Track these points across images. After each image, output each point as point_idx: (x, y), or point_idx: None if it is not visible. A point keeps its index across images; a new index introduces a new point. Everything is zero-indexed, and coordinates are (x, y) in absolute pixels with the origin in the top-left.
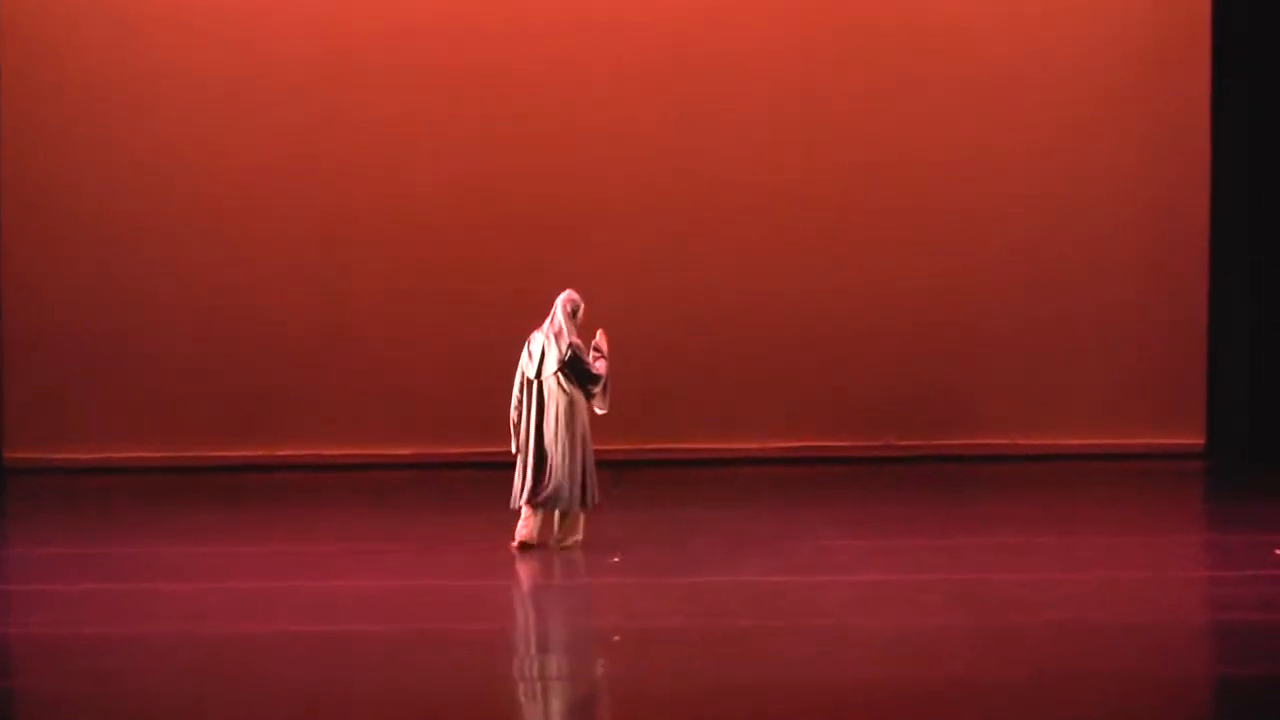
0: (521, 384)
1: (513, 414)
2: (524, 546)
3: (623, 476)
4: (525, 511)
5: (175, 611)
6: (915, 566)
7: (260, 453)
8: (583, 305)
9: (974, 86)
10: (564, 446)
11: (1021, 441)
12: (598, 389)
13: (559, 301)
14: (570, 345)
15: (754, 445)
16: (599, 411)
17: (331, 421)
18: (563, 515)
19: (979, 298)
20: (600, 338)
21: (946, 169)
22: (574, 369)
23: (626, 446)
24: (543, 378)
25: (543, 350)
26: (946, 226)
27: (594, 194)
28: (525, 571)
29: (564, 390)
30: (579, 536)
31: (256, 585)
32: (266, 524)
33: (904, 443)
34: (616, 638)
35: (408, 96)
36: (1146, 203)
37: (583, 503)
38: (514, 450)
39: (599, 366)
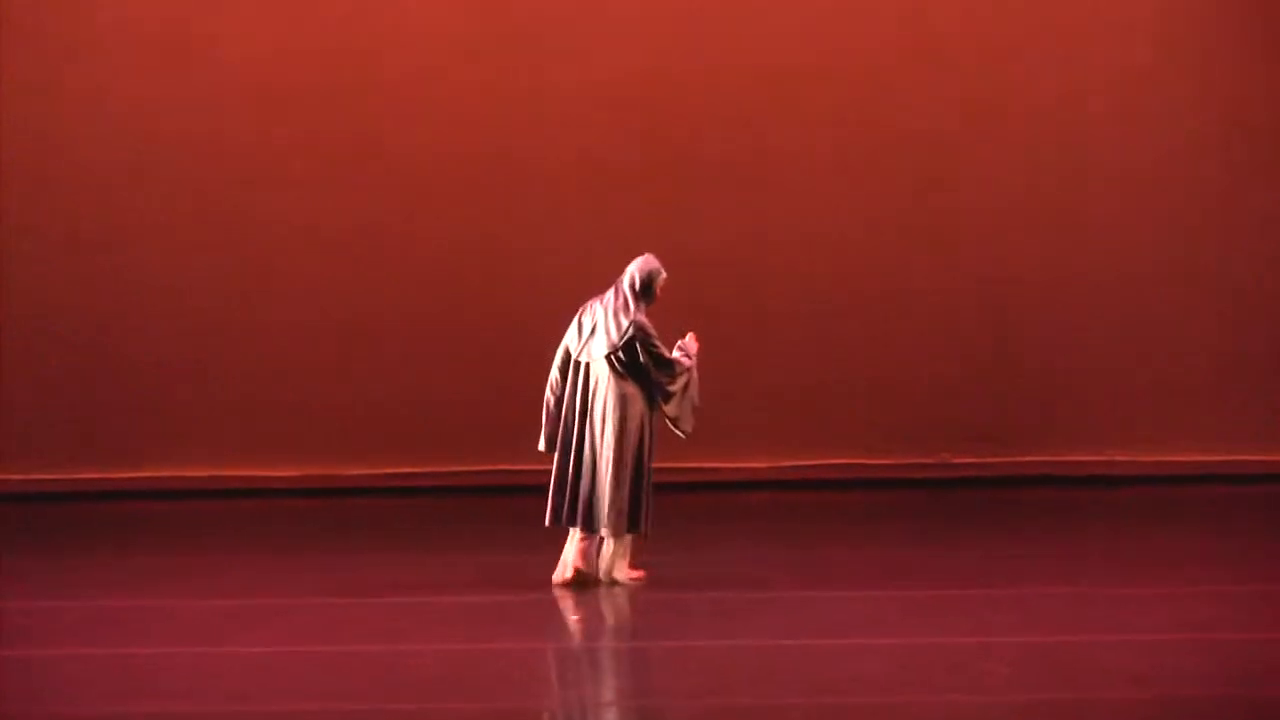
0: (564, 363)
1: (548, 395)
2: (577, 578)
3: None
4: (572, 534)
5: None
6: (975, 626)
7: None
8: (663, 276)
9: (1068, 70)
10: (610, 451)
11: (1119, 459)
12: (674, 385)
13: (632, 268)
14: (634, 325)
15: (762, 464)
16: (675, 427)
17: (196, 440)
18: (605, 541)
19: (1065, 283)
20: (690, 340)
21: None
22: (641, 355)
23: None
24: (591, 360)
25: (594, 327)
26: (1038, 205)
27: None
28: (511, 632)
29: (619, 380)
30: (629, 572)
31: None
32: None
33: (962, 459)
34: None
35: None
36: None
37: (632, 526)
38: (540, 446)
39: (680, 360)
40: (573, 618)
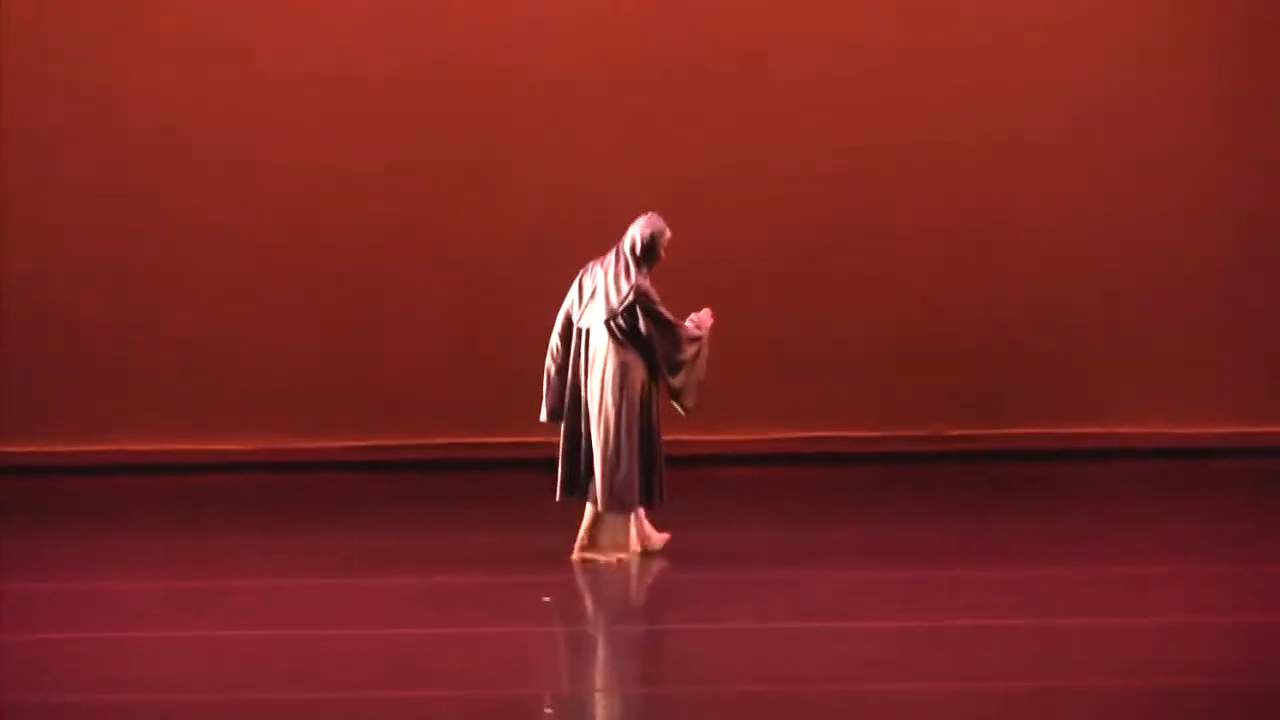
0: (565, 329)
1: (548, 363)
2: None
3: None
4: (589, 507)
5: None
6: (979, 608)
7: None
8: (667, 235)
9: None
10: (608, 422)
11: (1123, 431)
12: (682, 354)
13: (633, 229)
14: (635, 290)
15: (745, 437)
16: (677, 401)
17: (131, 413)
18: (600, 515)
19: (1064, 247)
20: (705, 314)
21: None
22: (643, 323)
23: None
24: (590, 326)
25: (594, 290)
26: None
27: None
28: (485, 617)
29: (619, 347)
30: (628, 550)
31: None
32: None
33: (959, 432)
34: (548, 710)
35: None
36: None
37: (645, 499)
38: (542, 417)
39: (688, 328)
40: (545, 599)
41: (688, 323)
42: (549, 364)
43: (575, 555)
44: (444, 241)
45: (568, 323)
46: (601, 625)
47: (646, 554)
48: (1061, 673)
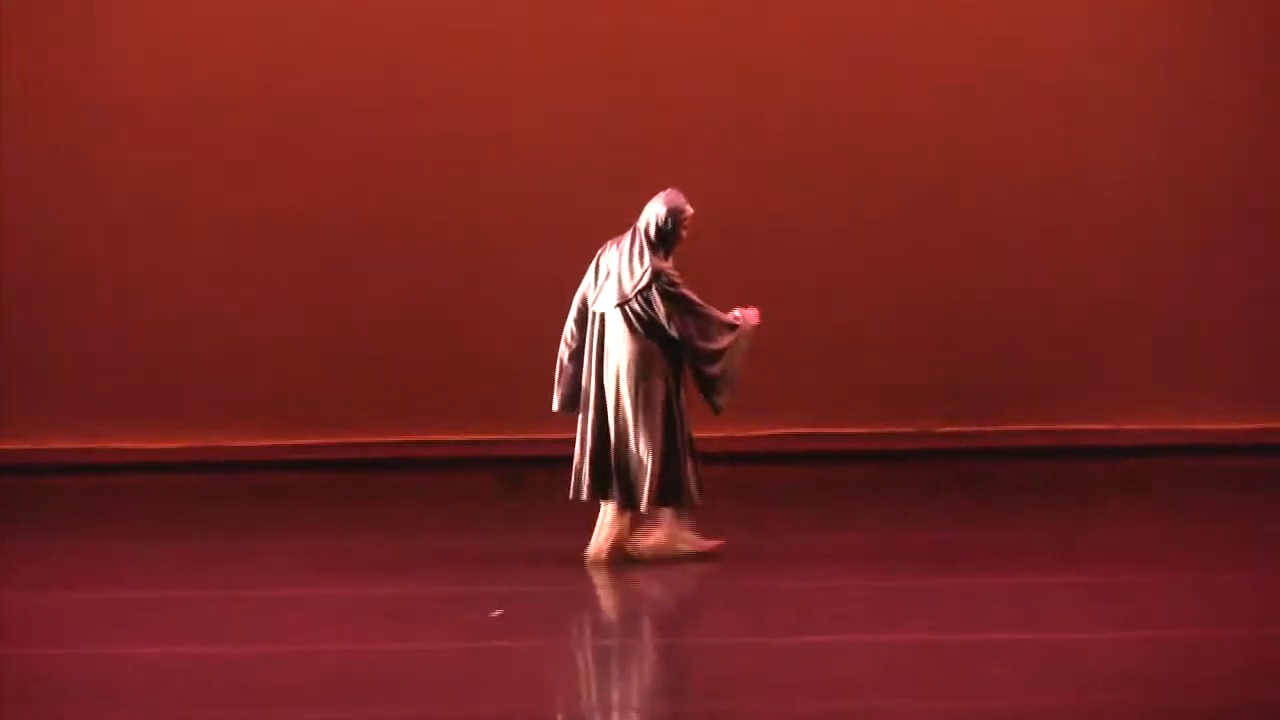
0: (581, 314)
1: (561, 349)
2: (613, 556)
3: (524, 476)
4: (604, 508)
5: None
6: (970, 620)
7: None
8: (688, 212)
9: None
10: (623, 416)
11: (1125, 428)
12: (714, 342)
13: (649, 210)
14: (651, 271)
15: (709, 434)
16: (709, 395)
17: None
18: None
19: (1059, 234)
20: (752, 312)
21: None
22: (663, 307)
23: (541, 435)
24: (606, 311)
25: (609, 273)
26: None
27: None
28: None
29: (634, 335)
30: (651, 541)
31: None
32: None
33: (948, 429)
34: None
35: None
36: None
37: (671, 498)
38: (554, 406)
39: (722, 315)
40: (495, 613)
41: (731, 314)
42: (562, 350)
43: (595, 555)
44: (439, 239)
45: (583, 306)
46: (564, 639)
47: (626, 558)
48: (1061, 688)
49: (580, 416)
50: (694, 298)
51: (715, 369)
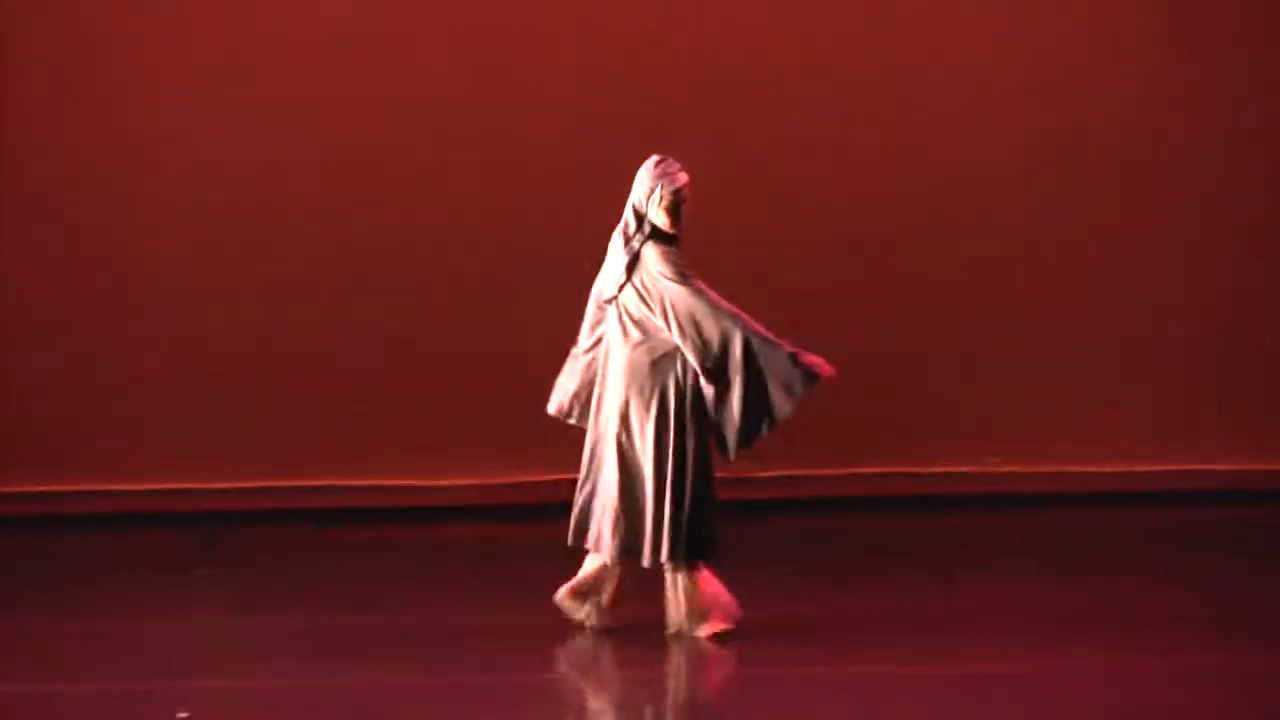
0: (597, 309)
1: (577, 349)
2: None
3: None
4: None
5: None
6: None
7: None
8: (680, 183)
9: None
10: (612, 448)
11: (1009, 470)
12: (726, 353)
13: (637, 180)
14: (635, 254)
15: (547, 477)
16: (715, 433)
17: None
18: (605, 565)
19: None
20: (820, 361)
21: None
22: (651, 298)
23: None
24: (611, 302)
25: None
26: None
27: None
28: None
29: (628, 333)
30: (601, 598)
31: None
32: None
33: (769, 474)
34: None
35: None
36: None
37: (654, 552)
38: (549, 408)
39: (755, 325)
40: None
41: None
42: (580, 345)
43: (587, 617)
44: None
45: (599, 299)
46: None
47: (587, 621)
48: None
49: (575, 420)
50: (707, 290)
51: (730, 387)
